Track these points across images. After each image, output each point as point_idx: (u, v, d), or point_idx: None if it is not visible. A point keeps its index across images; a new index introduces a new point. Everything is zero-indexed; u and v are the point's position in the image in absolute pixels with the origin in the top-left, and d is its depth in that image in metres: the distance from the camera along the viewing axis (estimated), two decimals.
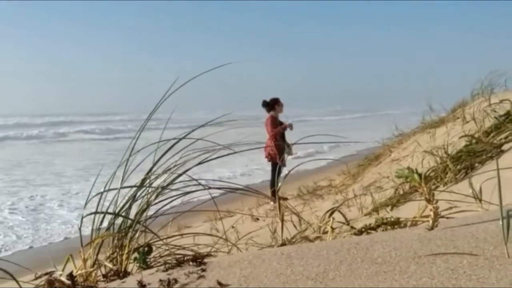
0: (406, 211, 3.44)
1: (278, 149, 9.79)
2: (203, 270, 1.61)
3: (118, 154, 2.43)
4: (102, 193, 2.27)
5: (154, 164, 2.37)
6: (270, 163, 10.10)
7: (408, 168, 1.74)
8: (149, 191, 2.33)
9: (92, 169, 15.94)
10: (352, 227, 2.60)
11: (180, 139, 2.44)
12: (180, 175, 2.40)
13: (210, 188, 2.51)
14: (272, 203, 8.72)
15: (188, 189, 2.44)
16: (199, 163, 2.46)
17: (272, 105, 10.04)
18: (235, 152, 2.58)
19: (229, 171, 14.94)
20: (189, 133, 2.48)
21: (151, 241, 2.28)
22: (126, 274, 1.96)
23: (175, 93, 2.42)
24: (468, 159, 4.04)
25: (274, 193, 9.00)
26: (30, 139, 33.56)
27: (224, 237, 2.71)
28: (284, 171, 9.84)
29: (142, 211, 2.27)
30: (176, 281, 1.56)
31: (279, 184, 7.06)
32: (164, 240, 2.39)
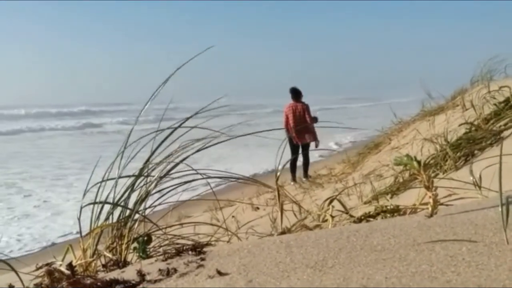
0: (406, 198, 3.44)
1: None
2: (203, 259, 1.61)
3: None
4: (100, 182, 2.27)
5: (152, 154, 2.36)
6: (299, 145, 10.92)
7: (407, 155, 1.73)
8: (148, 180, 2.32)
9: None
10: (352, 215, 2.60)
11: (176, 128, 2.43)
12: (178, 163, 2.39)
13: (209, 177, 2.51)
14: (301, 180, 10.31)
15: (188, 179, 2.44)
16: (198, 151, 2.45)
17: (300, 93, 10.94)
18: (233, 137, 2.56)
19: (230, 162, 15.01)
20: (183, 122, 2.46)
21: (150, 231, 2.28)
22: (125, 263, 1.97)
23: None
24: (467, 146, 4.03)
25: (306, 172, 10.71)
26: (55, 130, 33.68)
27: (224, 226, 2.71)
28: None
29: (141, 200, 2.27)
30: (175, 270, 1.56)
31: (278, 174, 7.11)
32: (164, 230, 2.39)
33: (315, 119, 10.90)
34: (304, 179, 10.49)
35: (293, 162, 10.43)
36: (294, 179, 10.57)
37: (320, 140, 11.09)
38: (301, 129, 10.67)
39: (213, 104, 2.67)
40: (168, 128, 2.43)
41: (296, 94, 10.91)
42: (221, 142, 2.50)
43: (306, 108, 10.81)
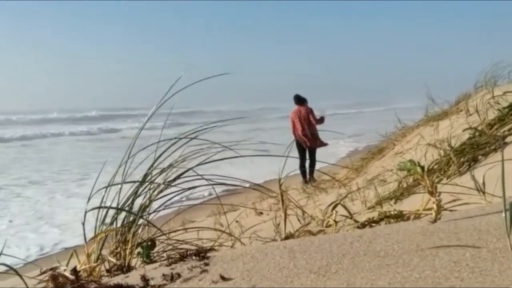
0: (410, 204, 3.44)
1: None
2: (206, 264, 1.61)
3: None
4: (106, 187, 2.28)
5: (155, 160, 2.37)
6: (306, 148, 11.40)
7: (410, 160, 1.73)
8: (152, 186, 2.33)
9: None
10: (355, 221, 2.60)
11: (180, 138, 2.45)
12: (184, 171, 2.40)
13: (214, 184, 2.51)
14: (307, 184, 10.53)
15: (191, 184, 2.45)
16: (201, 164, 2.46)
17: (302, 99, 11.52)
18: (240, 156, 2.59)
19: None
20: (190, 133, 2.48)
21: (154, 236, 2.28)
22: (129, 268, 1.97)
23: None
24: (471, 152, 4.02)
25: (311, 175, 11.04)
26: (76, 135, 33.15)
27: (227, 231, 2.71)
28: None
29: (145, 206, 2.28)
30: (179, 275, 1.56)
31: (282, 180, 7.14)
32: (168, 235, 2.39)
33: (321, 120, 11.49)
34: (309, 180, 10.92)
35: (302, 165, 11.09)
36: (305, 181, 10.97)
37: (326, 142, 11.60)
38: (310, 134, 11.28)
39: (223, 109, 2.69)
40: (173, 138, 2.45)
41: (299, 100, 11.51)
42: (226, 158, 2.53)
43: (310, 111, 11.40)
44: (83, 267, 2.00)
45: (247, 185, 2.81)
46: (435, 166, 4.14)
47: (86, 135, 34.33)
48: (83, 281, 1.73)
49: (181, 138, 2.46)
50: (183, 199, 2.46)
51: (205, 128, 2.57)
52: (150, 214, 2.32)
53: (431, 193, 1.70)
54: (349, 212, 2.91)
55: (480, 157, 3.95)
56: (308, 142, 11.31)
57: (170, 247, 2.29)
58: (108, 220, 2.24)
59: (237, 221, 4.81)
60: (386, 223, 2.22)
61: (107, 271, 2.03)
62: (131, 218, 2.24)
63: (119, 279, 1.72)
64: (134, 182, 2.31)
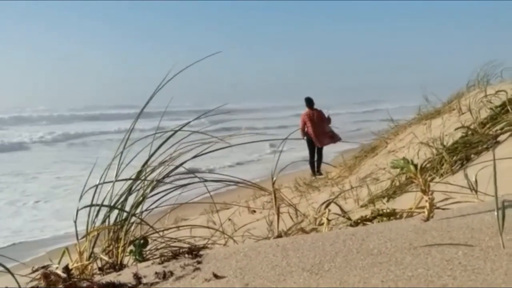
0: (402, 202, 3.45)
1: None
2: (199, 262, 1.61)
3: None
4: (97, 185, 2.26)
5: (150, 157, 2.36)
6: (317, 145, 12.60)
7: (403, 158, 1.74)
8: (145, 183, 2.32)
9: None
10: (348, 219, 2.60)
11: (176, 131, 2.44)
12: (175, 168, 2.39)
13: (206, 180, 2.51)
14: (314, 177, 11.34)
15: (184, 182, 2.44)
16: (195, 156, 2.45)
17: (313, 102, 12.58)
18: (230, 146, 2.58)
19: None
20: (183, 125, 2.47)
21: (147, 234, 2.28)
22: (122, 266, 1.96)
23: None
24: (464, 150, 4.04)
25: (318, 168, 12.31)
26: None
27: (220, 229, 2.71)
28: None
29: (137, 203, 2.27)
30: (171, 273, 1.56)
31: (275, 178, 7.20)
32: (160, 233, 2.39)
33: (329, 120, 12.60)
34: (317, 173, 12.08)
35: (313, 160, 12.35)
36: (314, 174, 12.06)
37: (339, 136, 12.80)
38: (322, 134, 12.37)
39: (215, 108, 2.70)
40: (167, 131, 2.44)
41: (310, 102, 12.50)
42: (217, 149, 2.53)
43: (321, 113, 12.55)
44: (75, 265, 1.99)
45: (241, 183, 2.81)
46: (428, 165, 4.15)
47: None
48: (75, 279, 1.73)
49: (175, 132, 2.45)
50: (176, 196, 2.45)
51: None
52: (142, 212, 2.31)
53: (424, 192, 1.70)
54: (342, 210, 2.92)
55: (472, 155, 3.96)
56: (319, 143, 12.38)
57: (163, 245, 2.29)
58: (100, 217, 2.23)
59: (230, 219, 4.81)
60: (379, 221, 2.22)
61: (99, 269, 2.02)
62: (124, 216, 2.23)
63: (111, 277, 1.71)
64: (127, 180, 2.30)
